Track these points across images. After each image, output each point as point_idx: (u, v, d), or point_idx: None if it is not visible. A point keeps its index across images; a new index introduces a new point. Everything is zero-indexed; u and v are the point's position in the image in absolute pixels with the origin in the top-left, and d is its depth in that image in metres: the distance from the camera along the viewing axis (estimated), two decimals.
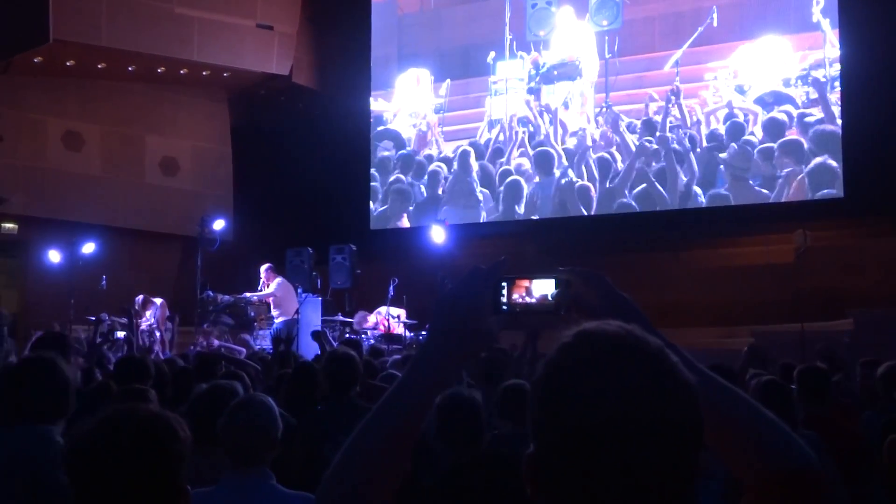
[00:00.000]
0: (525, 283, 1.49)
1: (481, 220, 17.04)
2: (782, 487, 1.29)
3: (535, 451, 1.14)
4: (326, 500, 1.33)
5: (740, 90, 15.12)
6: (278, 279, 14.20)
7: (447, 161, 17.76)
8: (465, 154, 17.54)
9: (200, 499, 3.04)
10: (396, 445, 1.36)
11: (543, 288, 1.48)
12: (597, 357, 1.11)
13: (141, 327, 13.76)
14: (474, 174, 17.40)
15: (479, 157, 17.31)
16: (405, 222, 18.02)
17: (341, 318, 13.95)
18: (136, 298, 13.79)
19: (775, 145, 14.80)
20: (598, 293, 1.46)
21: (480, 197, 17.29)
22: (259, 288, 14.40)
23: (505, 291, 1.48)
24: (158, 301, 13.88)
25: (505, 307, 1.48)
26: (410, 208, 18.08)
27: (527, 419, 1.17)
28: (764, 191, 14.86)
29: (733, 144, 15.01)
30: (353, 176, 18.21)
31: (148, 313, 13.82)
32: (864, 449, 5.01)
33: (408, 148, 18.22)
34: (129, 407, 1.95)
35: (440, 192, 17.79)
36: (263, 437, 3.17)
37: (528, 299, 1.48)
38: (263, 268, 14.33)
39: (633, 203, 15.76)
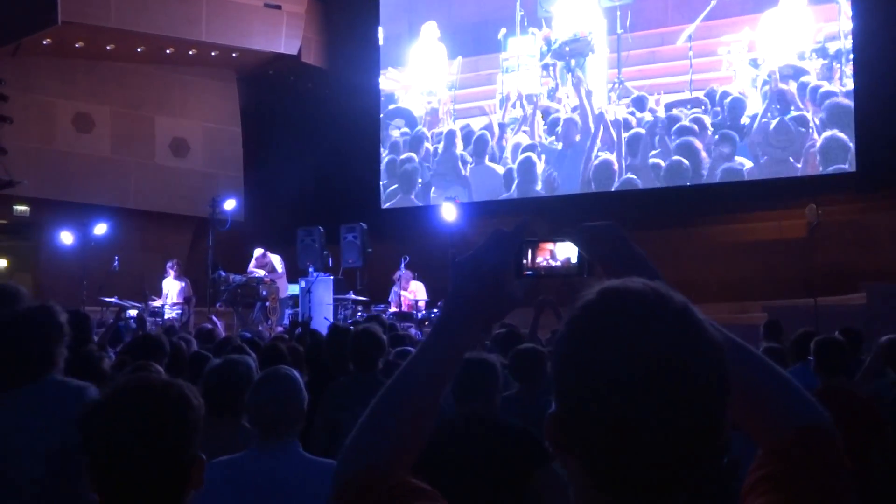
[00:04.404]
0: (549, 246, 1.46)
1: (479, 199, 17.03)
2: (796, 443, 1.28)
3: (557, 410, 1.11)
4: (347, 467, 1.31)
5: (754, 64, 15.01)
6: (278, 256, 14.52)
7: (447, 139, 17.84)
8: (450, 133, 17.60)
9: (227, 465, 3.07)
10: (418, 412, 1.34)
11: (567, 251, 1.46)
12: (621, 313, 1.08)
13: (155, 304, 13.88)
14: (458, 153, 17.45)
15: (498, 134, 17.28)
16: (415, 201, 18.02)
17: (353, 296, 13.96)
18: (168, 264, 14.22)
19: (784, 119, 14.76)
20: (612, 248, 1.43)
21: (466, 172, 17.36)
22: (249, 270, 14.50)
23: (529, 255, 1.45)
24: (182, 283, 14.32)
25: (529, 271, 1.45)
26: (419, 186, 18.07)
27: (546, 378, 1.14)
28: (798, 164, 14.75)
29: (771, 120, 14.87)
30: (363, 154, 18.20)
31: (174, 286, 14.14)
32: (879, 420, 5.00)
33: (419, 126, 18.18)
34: (142, 375, 1.95)
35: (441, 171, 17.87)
36: (290, 408, 3.21)
37: (551, 262, 1.46)
38: (259, 252, 14.51)
39: (638, 179, 15.72)
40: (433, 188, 17.76)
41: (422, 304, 13.60)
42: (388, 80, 18.64)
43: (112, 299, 13.27)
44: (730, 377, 1.09)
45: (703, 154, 15.32)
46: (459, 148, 17.56)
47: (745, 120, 15.02)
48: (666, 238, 14.72)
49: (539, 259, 1.46)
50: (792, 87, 14.74)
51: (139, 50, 17.43)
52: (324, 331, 10.60)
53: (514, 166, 16.95)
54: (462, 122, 17.66)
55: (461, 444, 3.59)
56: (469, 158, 17.50)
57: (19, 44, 16.33)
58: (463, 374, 3.70)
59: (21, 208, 17.15)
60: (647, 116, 15.75)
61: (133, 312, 11.85)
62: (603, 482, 1.08)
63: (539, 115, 16.76)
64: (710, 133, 15.28)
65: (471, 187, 17.37)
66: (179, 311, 13.78)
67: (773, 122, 14.82)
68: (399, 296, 13.79)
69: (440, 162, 17.79)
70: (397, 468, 1.30)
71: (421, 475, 1.31)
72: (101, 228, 15.29)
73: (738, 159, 15.08)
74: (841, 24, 14.50)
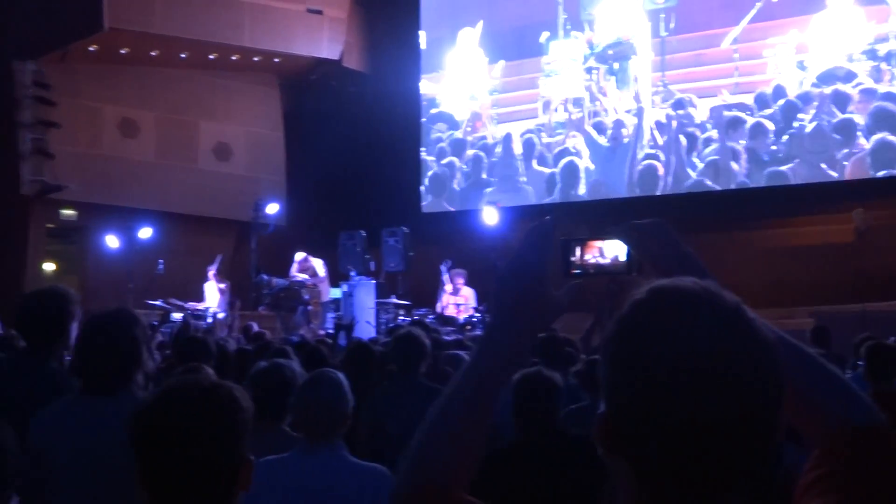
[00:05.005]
0: (597, 243, 1.44)
1: (532, 203, 16.92)
2: (852, 444, 1.26)
3: (607, 410, 1.10)
4: (405, 485, 1.29)
5: (801, 66, 14.79)
6: (320, 261, 14.54)
7: (490, 145, 17.73)
8: (507, 137, 17.52)
9: (273, 466, 3.09)
10: (471, 428, 1.31)
11: (615, 249, 1.44)
12: (672, 312, 1.07)
13: (199, 307, 14.03)
14: (518, 156, 17.35)
15: (540, 138, 17.22)
16: (456, 205, 18.00)
17: (395, 300, 13.97)
18: (209, 268, 14.39)
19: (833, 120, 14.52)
20: (661, 246, 1.42)
21: (524, 179, 17.23)
22: (291, 273, 14.55)
23: (577, 252, 1.43)
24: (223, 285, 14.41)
25: (578, 269, 1.43)
26: (458, 189, 18.06)
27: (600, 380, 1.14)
28: (832, 173, 14.51)
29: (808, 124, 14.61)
30: (404, 159, 18.22)
31: (215, 290, 14.27)
32: None
33: (460, 131, 18.17)
34: (192, 377, 1.96)
35: (483, 175, 17.76)
36: (335, 412, 3.23)
37: (600, 260, 1.44)
38: (301, 256, 14.53)
39: (712, 182, 15.54)
40: (491, 190, 17.58)
41: (467, 309, 13.55)
42: (429, 85, 18.66)
43: (157, 302, 13.42)
44: (782, 377, 1.08)
45: (743, 157, 15.11)
46: (518, 150, 17.43)
47: (797, 123, 14.78)
48: (709, 243, 14.52)
49: (588, 257, 1.45)
50: (840, 89, 14.50)
51: (183, 56, 17.63)
52: (366, 335, 10.69)
53: (557, 170, 16.86)
54: (507, 126, 17.59)
55: (524, 462, 3.56)
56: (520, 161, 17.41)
57: (66, 50, 16.60)
58: (520, 392, 3.66)
59: (68, 212, 17.42)
60: (693, 119, 15.59)
61: (178, 315, 11.98)
62: (653, 484, 1.07)
63: (586, 117, 16.65)
64: (770, 137, 14.99)
65: (525, 191, 17.26)
66: (224, 315, 13.89)
67: (810, 127, 14.57)
68: (443, 298, 13.79)
69: (501, 166, 17.66)
70: (455, 485, 1.28)
71: (486, 498, 1.29)
72: (145, 232, 15.49)
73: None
74: (890, 26, 14.24)
